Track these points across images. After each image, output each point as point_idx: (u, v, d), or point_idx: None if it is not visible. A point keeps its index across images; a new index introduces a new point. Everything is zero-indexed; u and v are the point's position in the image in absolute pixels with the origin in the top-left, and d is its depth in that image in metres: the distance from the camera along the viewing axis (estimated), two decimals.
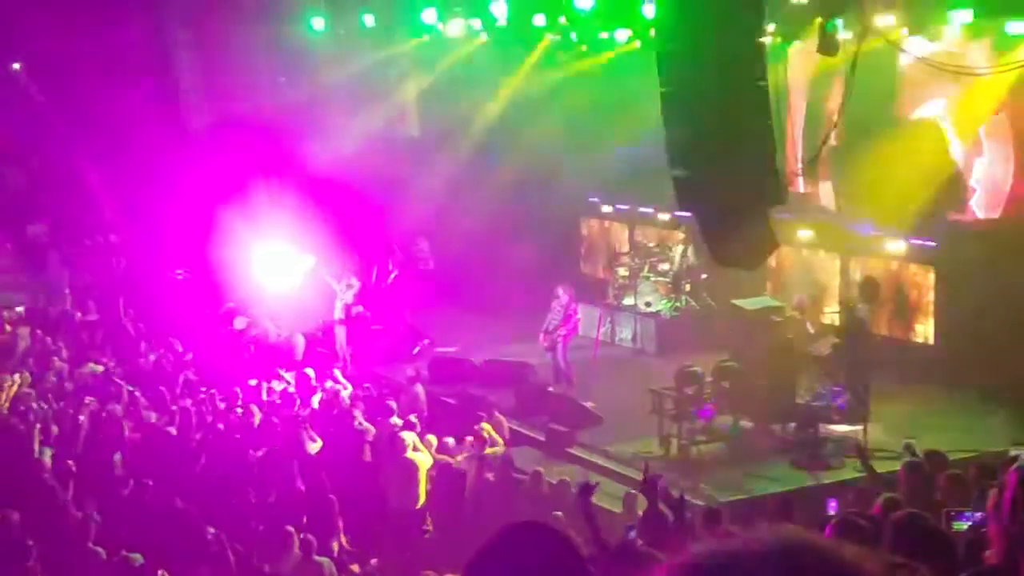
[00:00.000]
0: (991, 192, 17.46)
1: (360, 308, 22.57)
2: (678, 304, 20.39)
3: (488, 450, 14.00)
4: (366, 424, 14.96)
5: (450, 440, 14.57)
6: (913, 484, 8.74)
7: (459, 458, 14.07)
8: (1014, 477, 3.45)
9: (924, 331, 17.86)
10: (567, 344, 18.05)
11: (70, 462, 13.50)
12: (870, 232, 18.53)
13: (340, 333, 20.20)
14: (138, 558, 10.55)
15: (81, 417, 14.91)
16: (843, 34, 13.42)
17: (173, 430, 14.92)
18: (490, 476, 13.33)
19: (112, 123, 23.80)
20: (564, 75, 22.80)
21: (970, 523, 5.92)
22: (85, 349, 18.95)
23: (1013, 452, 11.03)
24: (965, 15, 13.50)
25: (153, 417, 15.43)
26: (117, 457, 13.96)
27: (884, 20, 13.45)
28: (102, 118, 24.00)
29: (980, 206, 17.58)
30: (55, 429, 14.30)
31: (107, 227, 24.71)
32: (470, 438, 14.29)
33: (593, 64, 22.06)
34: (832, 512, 10.46)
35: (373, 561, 11.81)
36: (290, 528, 10.90)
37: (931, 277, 17.71)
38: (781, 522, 7.17)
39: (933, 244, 17.63)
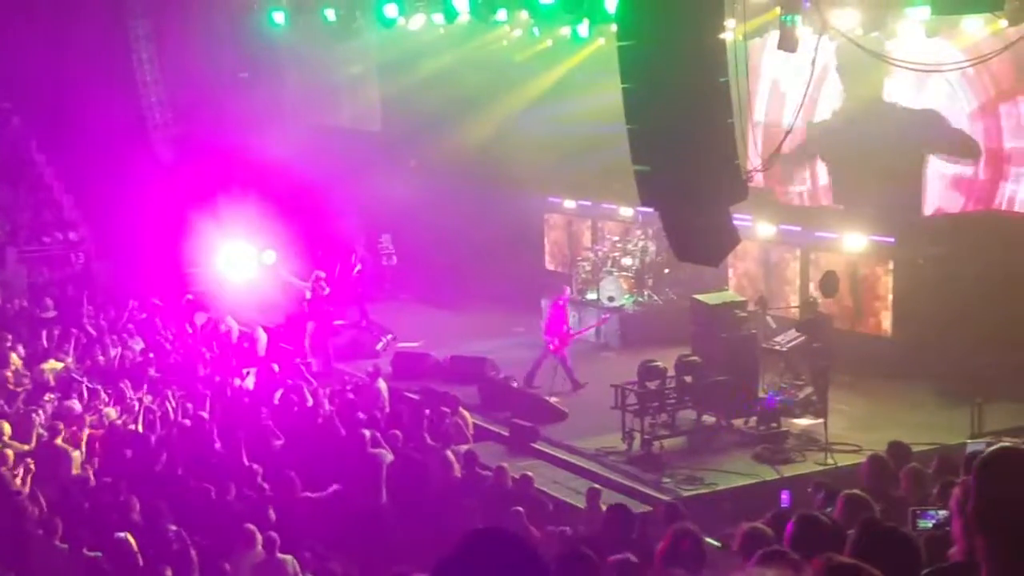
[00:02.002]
0: (951, 188, 17.67)
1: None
2: (641, 298, 20.49)
3: (449, 448, 13.99)
4: (333, 419, 14.92)
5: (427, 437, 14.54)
6: (875, 477, 8.83)
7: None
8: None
9: (882, 325, 18.03)
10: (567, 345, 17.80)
11: (28, 460, 13.38)
12: (831, 227, 18.70)
13: (310, 328, 20.08)
14: (98, 556, 10.49)
15: (39, 414, 14.76)
16: (802, 30, 13.55)
17: (134, 427, 14.82)
18: (455, 471, 13.31)
19: (71, 118, 23.58)
20: (527, 69, 22.85)
21: (934, 521, 5.98)
22: (43, 346, 18.74)
23: (970, 446, 11.15)
24: (923, 12, 13.61)
25: (113, 414, 15.31)
26: (77, 454, 13.84)
27: (843, 17, 13.54)
28: (61, 113, 23.76)
29: (940, 202, 17.78)
30: (6, 428, 14.13)
31: (66, 224, 24.45)
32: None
33: (556, 59, 22.13)
34: (785, 504, 10.55)
35: (337, 559, 11.79)
36: (251, 527, 10.85)
37: (890, 272, 17.88)
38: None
39: (892, 240, 17.80)
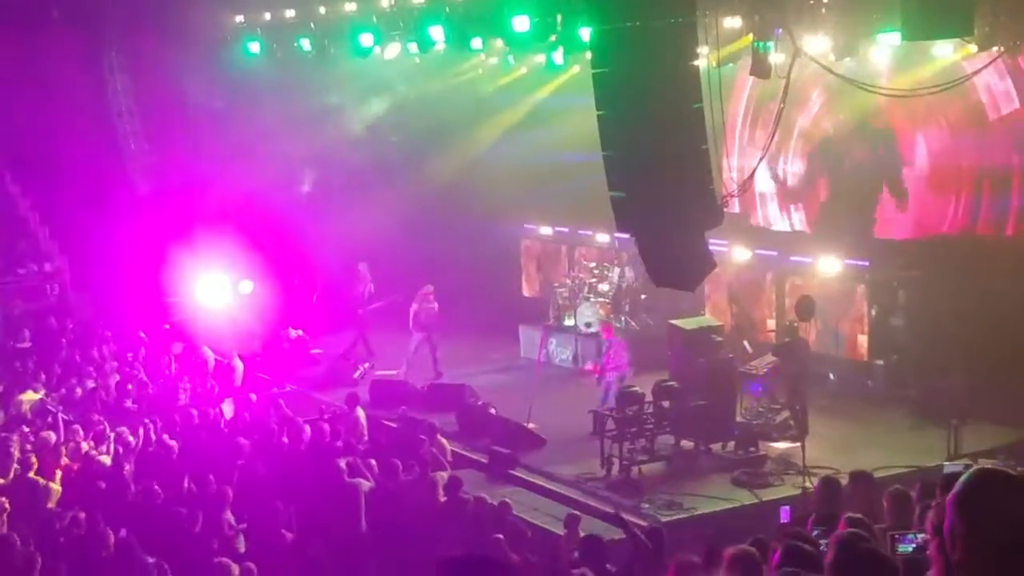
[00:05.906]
0: (926, 211, 17.79)
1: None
2: (618, 324, 20.51)
3: (434, 473, 13.95)
4: (312, 448, 14.86)
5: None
6: (824, 498, 8.87)
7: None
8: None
9: (858, 348, 18.10)
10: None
11: (2, 498, 13.23)
12: (806, 251, 18.81)
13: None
14: None
15: (11, 446, 14.60)
16: (775, 56, 13.66)
17: (109, 458, 14.70)
18: (441, 498, 13.26)
19: (46, 150, 23.50)
20: (502, 97, 22.94)
21: (914, 545, 5.98)
22: (19, 377, 18.60)
23: (948, 467, 11.21)
24: (893, 38, 13.74)
25: (88, 445, 15.19)
26: (54, 487, 13.71)
27: (815, 43, 13.65)
28: (36, 145, 23.68)
29: (913, 226, 17.90)
30: None
31: (41, 255, 24.33)
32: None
33: (531, 86, 22.25)
34: (784, 520, 10.52)
35: None
36: (226, 560, 10.74)
37: (864, 295, 17.98)
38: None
39: (866, 263, 17.91)
